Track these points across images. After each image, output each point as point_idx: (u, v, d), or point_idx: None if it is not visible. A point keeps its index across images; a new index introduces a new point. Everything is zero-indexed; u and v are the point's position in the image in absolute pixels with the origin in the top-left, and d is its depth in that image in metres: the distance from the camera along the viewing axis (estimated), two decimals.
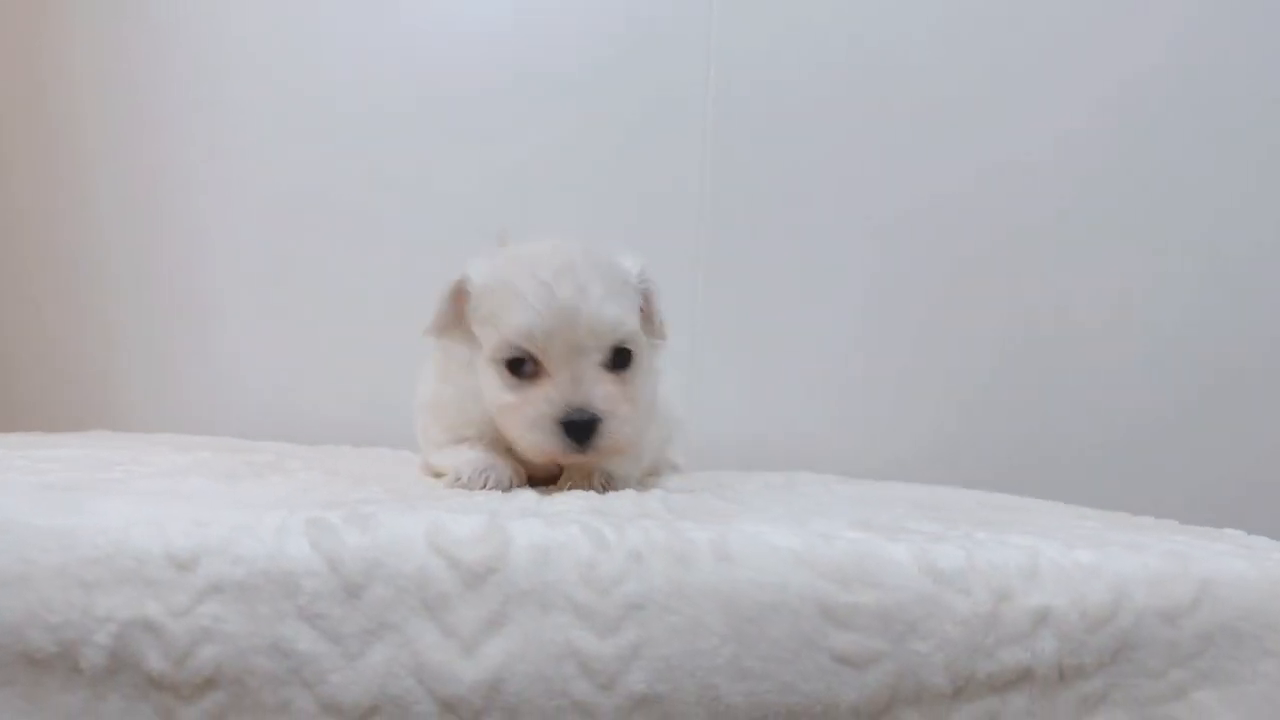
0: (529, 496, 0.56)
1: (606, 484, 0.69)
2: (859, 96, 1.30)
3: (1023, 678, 0.47)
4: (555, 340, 0.64)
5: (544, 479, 0.73)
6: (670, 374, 0.88)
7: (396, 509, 0.48)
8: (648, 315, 0.72)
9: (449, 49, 1.32)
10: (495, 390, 0.67)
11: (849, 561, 0.46)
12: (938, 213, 1.31)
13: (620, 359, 0.67)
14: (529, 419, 0.64)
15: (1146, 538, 0.59)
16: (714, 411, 1.26)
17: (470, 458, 0.69)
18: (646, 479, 0.81)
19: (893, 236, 1.31)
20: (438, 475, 0.73)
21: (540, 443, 0.64)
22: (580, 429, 0.63)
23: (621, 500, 0.59)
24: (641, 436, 0.75)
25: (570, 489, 0.69)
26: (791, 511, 0.63)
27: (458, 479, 0.67)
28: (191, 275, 1.35)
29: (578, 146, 1.32)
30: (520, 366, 0.66)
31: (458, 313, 0.71)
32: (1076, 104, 1.29)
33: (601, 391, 0.64)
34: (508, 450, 0.70)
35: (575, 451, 0.63)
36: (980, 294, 1.31)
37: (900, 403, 1.32)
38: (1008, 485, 1.11)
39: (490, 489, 0.67)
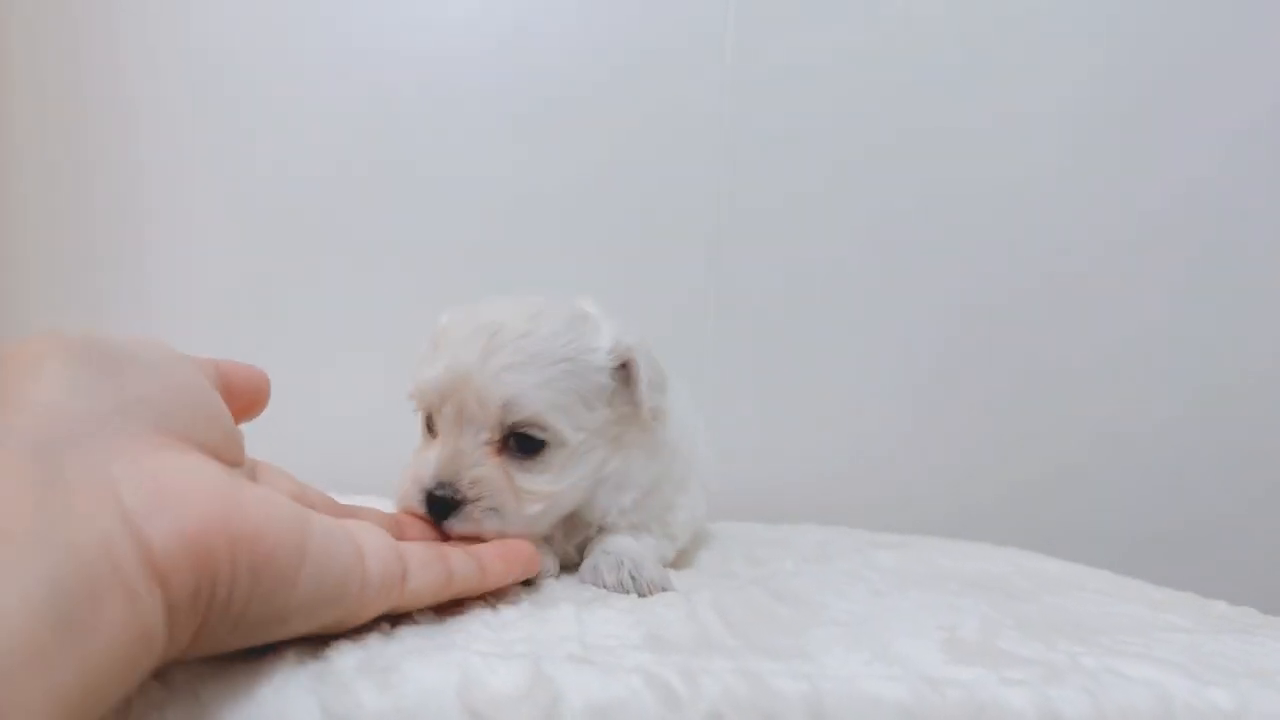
0: (565, 615, 0.48)
1: (635, 574, 0.61)
2: (879, 108, 1.25)
3: None
4: (448, 404, 0.59)
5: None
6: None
7: (416, 646, 0.39)
8: (628, 395, 0.65)
9: (436, 90, 1.24)
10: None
11: (965, 716, 0.39)
12: (954, 252, 1.26)
13: (527, 443, 0.60)
14: (407, 478, 0.59)
15: (1258, 650, 0.52)
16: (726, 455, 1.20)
17: None
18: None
19: (909, 282, 1.26)
20: None
21: (406, 506, 0.58)
22: (441, 506, 0.57)
23: (670, 611, 0.51)
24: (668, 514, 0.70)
25: (594, 581, 0.62)
26: (856, 615, 0.55)
27: None
28: (148, 292, 1.24)
29: (581, 178, 1.25)
30: (430, 422, 0.63)
31: None
32: (1111, 207, 1.26)
33: (477, 474, 0.58)
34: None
35: (437, 526, 0.58)
36: (994, 341, 1.27)
37: (912, 450, 1.26)
38: (1017, 535, 1.06)
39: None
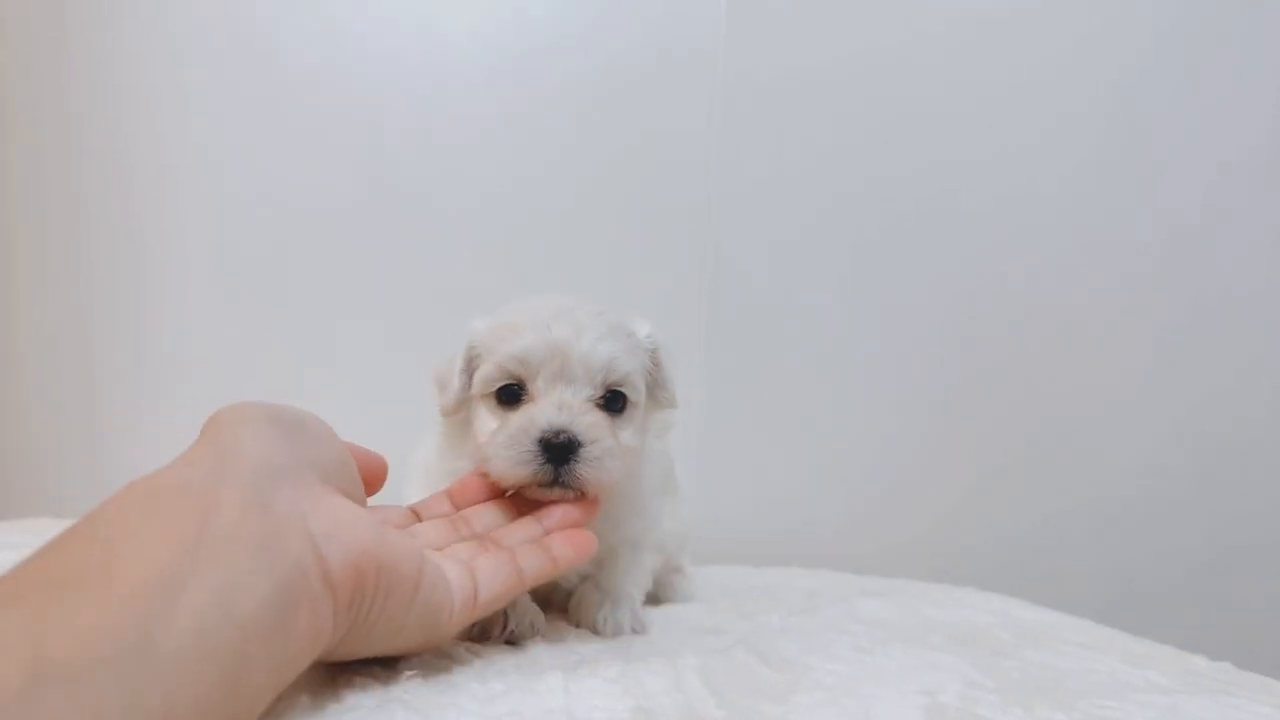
0: (552, 686, 0.48)
1: (611, 615, 0.68)
2: (876, 160, 1.27)
3: None
4: (547, 368, 0.64)
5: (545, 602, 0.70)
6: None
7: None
8: (656, 380, 0.72)
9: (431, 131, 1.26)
10: (483, 426, 0.65)
11: None
12: (949, 292, 1.27)
13: (615, 401, 0.67)
14: (508, 436, 0.62)
15: (1235, 714, 0.53)
16: (717, 495, 1.21)
17: None
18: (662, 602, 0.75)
19: (901, 319, 1.27)
20: None
21: (514, 462, 0.61)
22: (558, 450, 0.61)
23: (657, 680, 0.51)
24: (645, 505, 0.74)
25: (575, 619, 0.69)
26: (841, 677, 0.56)
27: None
28: (141, 344, 1.25)
29: (573, 196, 1.26)
30: (509, 395, 0.66)
31: (469, 384, 0.68)
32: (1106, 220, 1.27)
33: (589, 419, 0.63)
34: None
35: (550, 477, 0.61)
36: (985, 387, 1.28)
37: (898, 494, 1.27)
38: (1007, 579, 1.07)
39: (504, 638, 0.61)
